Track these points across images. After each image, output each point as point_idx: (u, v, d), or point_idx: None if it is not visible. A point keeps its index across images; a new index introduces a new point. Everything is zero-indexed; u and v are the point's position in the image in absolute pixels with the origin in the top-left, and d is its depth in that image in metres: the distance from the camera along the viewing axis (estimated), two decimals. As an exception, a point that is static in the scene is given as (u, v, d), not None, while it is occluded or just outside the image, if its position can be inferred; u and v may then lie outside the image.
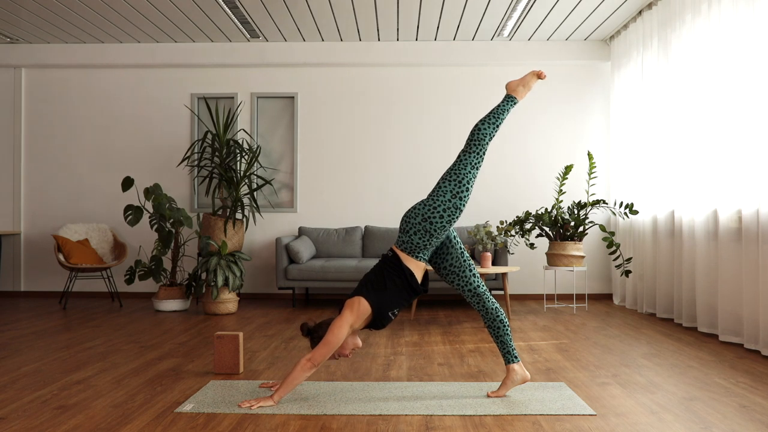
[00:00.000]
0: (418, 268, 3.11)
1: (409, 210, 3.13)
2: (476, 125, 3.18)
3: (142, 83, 7.45)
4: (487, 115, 3.19)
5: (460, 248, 3.23)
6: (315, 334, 3.13)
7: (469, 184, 3.12)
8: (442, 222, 3.07)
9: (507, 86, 3.28)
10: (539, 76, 3.24)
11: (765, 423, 2.76)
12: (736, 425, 2.73)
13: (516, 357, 3.19)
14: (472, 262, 3.24)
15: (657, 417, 2.85)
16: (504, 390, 3.18)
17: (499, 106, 3.22)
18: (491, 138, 3.17)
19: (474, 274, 3.20)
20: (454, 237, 3.25)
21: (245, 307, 6.65)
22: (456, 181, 3.11)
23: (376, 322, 3.10)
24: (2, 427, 2.70)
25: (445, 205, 3.08)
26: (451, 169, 3.15)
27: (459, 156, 3.17)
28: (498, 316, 3.19)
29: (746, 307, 4.34)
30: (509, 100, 3.23)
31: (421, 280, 3.19)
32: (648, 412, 2.92)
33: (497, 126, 3.18)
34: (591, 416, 2.86)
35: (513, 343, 3.22)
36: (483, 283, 3.23)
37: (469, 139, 3.17)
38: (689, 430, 2.67)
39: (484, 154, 3.16)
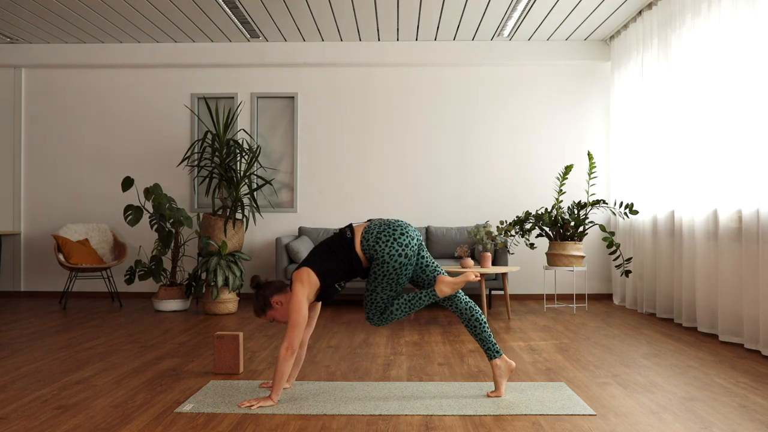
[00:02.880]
0: (363, 260, 3.13)
1: (401, 245, 3.03)
2: (392, 310, 3.14)
3: (142, 83, 7.45)
4: (408, 300, 3.14)
5: (427, 265, 3.20)
6: (261, 292, 3.14)
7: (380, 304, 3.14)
8: (373, 274, 3.09)
9: (440, 278, 3.13)
10: (475, 277, 3.14)
11: (765, 423, 2.76)
12: (736, 425, 2.73)
13: (498, 351, 3.18)
14: (439, 270, 3.21)
15: (657, 417, 2.85)
16: (500, 388, 3.18)
17: (421, 295, 3.15)
18: (400, 318, 3.17)
19: None
20: (422, 253, 3.22)
21: (245, 307, 6.65)
22: (378, 302, 3.14)
23: (324, 294, 3.13)
24: (2, 427, 2.70)
25: (382, 278, 3.08)
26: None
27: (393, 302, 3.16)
28: (473, 314, 3.18)
29: (746, 307, 4.34)
30: (432, 295, 3.14)
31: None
32: (648, 412, 2.92)
33: (409, 313, 3.16)
34: (591, 416, 2.86)
35: (493, 338, 3.19)
36: None
37: (381, 309, 3.15)
38: (689, 430, 2.67)
39: (386, 320, 3.16)
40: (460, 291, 3.23)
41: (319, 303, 3.28)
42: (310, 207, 7.36)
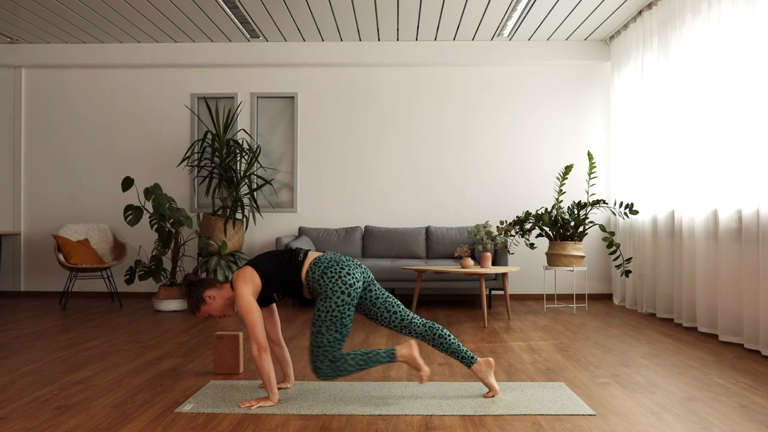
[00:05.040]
0: (305, 288, 3.13)
1: (344, 284, 3.01)
2: (345, 359, 3.04)
3: (142, 83, 7.45)
4: (364, 354, 3.07)
5: (377, 297, 3.18)
6: (194, 289, 3.11)
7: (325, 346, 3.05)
8: (316, 310, 3.05)
9: (411, 346, 3.08)
10: (421, 377, 3.07)
11: (765, 423, 2.76)
12: (736, 425, 2.73)
13: (473, 357, 3.17)
14: (390, 302, 3.18)
15: (657, 417, 2.85)
16: (492, 386, 3.17)
17: (380, 353, 3.08)
18: (349, 374, 3.07)
19: (395, 312, 3.17)
20: (375, 292, 3.19)
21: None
22: (319, 346, 3.04)
23: (260, 299, 3.12)
24: (2, 427, 2.70)
25: (319, 323, 3.03)
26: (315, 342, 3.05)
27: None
28: (434, 332, 3.16)
29: (746, 307, 4.34)
30: (392, 355, 3.08)
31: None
32: (648, 412, 2.92)
33: (363, 368, 3.07)
34: (591, 416, 2.86)
35: (462, 346, 3.18)
36: (406, 311, 3.19)
37: (330, 356, 3.04)
38: (689, 430, 2.68)
39: (331, 369, 3.03)
40: (415, 316, 3.20)
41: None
42: (310, 207, 7.36)
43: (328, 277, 3.03)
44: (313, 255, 3.14)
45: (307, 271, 3.07)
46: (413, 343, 3.11)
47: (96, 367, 3.83)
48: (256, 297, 3.08)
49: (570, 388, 3.34)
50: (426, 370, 3.06)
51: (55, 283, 7.46)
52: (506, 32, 6.83)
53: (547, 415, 2.88)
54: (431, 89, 7.35)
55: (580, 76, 7.29)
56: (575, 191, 7.27)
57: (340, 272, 3.04)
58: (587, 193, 6.37)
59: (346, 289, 3.02)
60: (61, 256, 6.53)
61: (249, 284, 3.03)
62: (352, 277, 3.05)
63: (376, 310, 3.18)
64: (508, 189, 7.29)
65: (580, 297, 7.28)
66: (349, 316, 3.06)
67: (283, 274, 3.09)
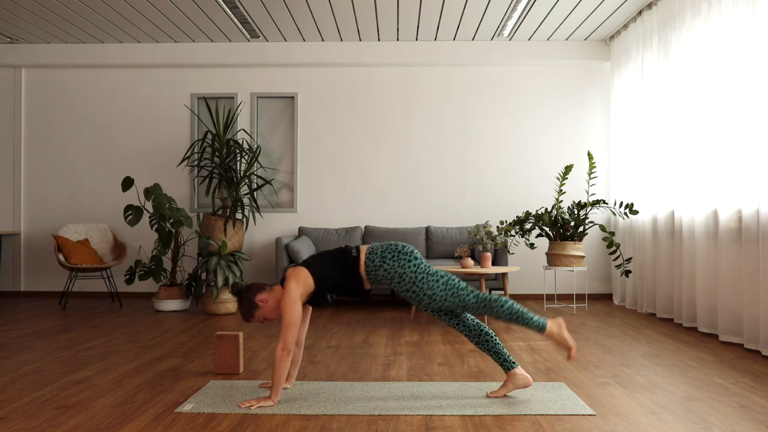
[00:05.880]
0: (365, 280, 3.14)
1: (406, 255, 3.06)
2: (501, 304, 3.03)
3: (142, 83, 7.45)
4: (518, 309, 3.03)
5: None
6: (244, 296, 3.12)
7: (448, 296, 3.05)
8: (407, 291, 3.07)
9: (560, 325, 3.04)
10: (570, 354, 3.05)
11: (765, 423, 2.76)
12: (736, 425, 2.73)
13: (513, 362, 3.17)
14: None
15: (657, 417, 2.85)
16: (504, 391, 3.18)
17: (531, 319, 3.02)
18: (495, 317, 3.06)
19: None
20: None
21: (245, 307, 6.64)
22: (452, 293, 3.05)
23: (313, 300, 3.13)
24: (2, 427, 2.70)
25: (425, 290, 3.04)
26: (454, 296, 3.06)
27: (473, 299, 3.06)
28: (481, 329, 3.17)
29: (746, 307, 4.34)
30: (541, 327, 3.02)
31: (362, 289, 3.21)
32: (648, 412, 2.92)
33: (510, 321, 3.04)
34: (591, 416, 2.86)
35: (506, 350, 3.19)
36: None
37: (463, 293, 3.05)
38: (689, 430, 2.68)
39: (480, 302, 3.04)
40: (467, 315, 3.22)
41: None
42: (310, 207, 7.36)
43: (390, 259, 3.07)
44: (364, 247, 3.17)
45: (366, 262, 3.09)
46: (562, 322, 3.07)
47: (96, 367, 3.83)
48: (304, 299, 3.08)
49: (570, 388, 3.34)
50: (574, 347, 3.05)
51: (55, 283, 7.46)
52: (506, 32, 6.83)
53: (547, 415, 2.88)
54: (431, 89, 7.35)
55: (580, 76, 7.29)
56: (575, 191, 7.27)
57: (395, 248, 3.09)
58: (587, 193, 6.38)
59: (409, 256, 3.07)
60: (61, 256, 6.53)
61: (301, 285, 3.03)
62: (408, 247, 3.11)
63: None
64: (508, 189, 7.29)
65: (580, 297, 7.29)
66: (430, 266, 3.10)
67: (341, 273, 3.09)
